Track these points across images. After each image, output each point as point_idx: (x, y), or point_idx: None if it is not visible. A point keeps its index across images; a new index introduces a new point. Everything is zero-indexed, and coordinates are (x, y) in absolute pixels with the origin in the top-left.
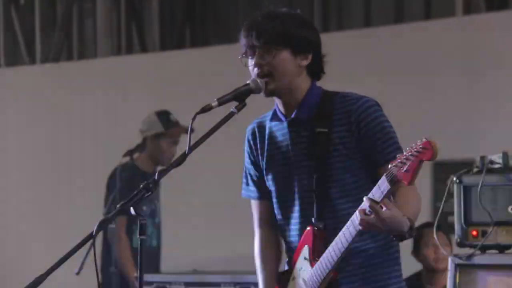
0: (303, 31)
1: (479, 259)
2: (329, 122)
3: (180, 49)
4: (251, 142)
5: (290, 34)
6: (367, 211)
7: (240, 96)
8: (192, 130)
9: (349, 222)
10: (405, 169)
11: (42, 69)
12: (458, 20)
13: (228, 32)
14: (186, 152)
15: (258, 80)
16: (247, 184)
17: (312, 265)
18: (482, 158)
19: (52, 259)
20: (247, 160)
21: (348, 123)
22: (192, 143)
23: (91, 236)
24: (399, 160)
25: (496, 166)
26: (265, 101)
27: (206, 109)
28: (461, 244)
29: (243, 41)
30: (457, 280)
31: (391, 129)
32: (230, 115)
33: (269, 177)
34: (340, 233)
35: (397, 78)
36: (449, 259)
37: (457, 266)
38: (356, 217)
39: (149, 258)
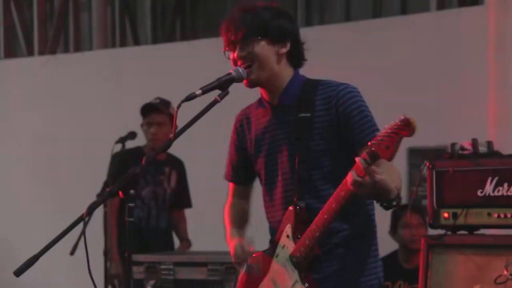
0: (278, 21)
1: (450, 239)
2: (311, 108)
3: (171, 42)
4: (238, 129)
5: (265, 24)
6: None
7: (223, 84)
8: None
9: (331, 198)
10: (384, 145)
11: (40, 61)
12: (432, 15)
13: (217, 25)
14: (172, 138)
15: (240, 69)
16: (228, 168)
17: (295, 242)
18: (453, 145)
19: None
20: (232, 146)
21: (329, 108)
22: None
23: (81, 219)
24: (378, 138)
25: (466, 152)
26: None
27: (190, 97)
28: (433, 226)
29: (223, 36)
30: (430, 259)
31: (369, 113)
32: (214, 103)
33: (258, 161)
34: (324, 208)
35: (374, 70)
36: (422, 240)
37: (429, 246)
38: (348, 179)
39: (158, 239)
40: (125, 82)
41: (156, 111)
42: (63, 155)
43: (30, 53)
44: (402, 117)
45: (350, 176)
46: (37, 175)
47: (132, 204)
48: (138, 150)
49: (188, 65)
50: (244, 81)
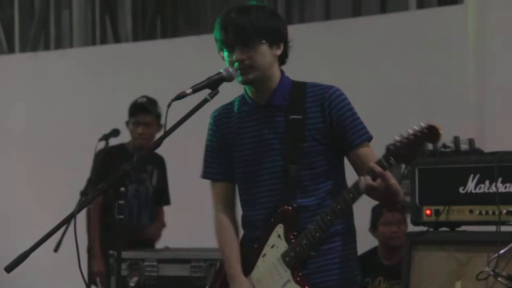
0: (275, 23)
1: (432, 236)
2: (302, 109)
3: (151, 40)
4: (218, 127)
5: (265, 27)
6: (373, 175)
7: (213, 84)
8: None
9: (344, 194)
10: (404, 150)
11: (21, 58)
12: (412, 13)
13: (197, 23)
14: (162, 136)
15: (230, 69)
16: (207, 166)
17: (288, 242)
18: None
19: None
20: (210, 144)
21: (321, 110)
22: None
23: (72, 216)
24: (398, 142)
25: (448, 149)
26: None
27: (180, 96)
28: (415, 223)
29: (218, 36)
30: (412, 256)
31: (358, 115)
32: (204, 102)
33: (237, 159)
34: (327, 210)
35: (354, 68)
36: (405, 236)
37: (412, 242)
38: (361, 181)
39: (141, 238)
40: (106, 80)
41: (144, 111)
42: (44, 152)
43: (11, 50)
44: (427, 124)
45: (365, 181)
46: (19, 172)
47: (122, 202)
48: (121, 148)
49: (169, 63)
50: (240, 78)
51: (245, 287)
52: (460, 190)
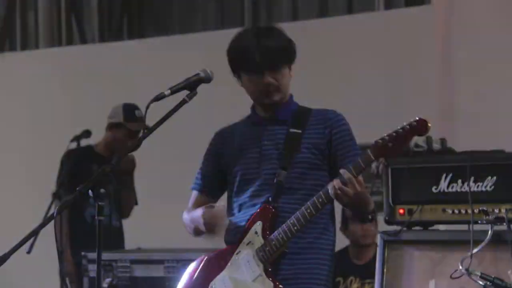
0: (292, 46)
1: (406, 235)
2: (303, 126)
3: (118, 41)
4: (217, 142)
5: (288, 51)
6: (343, 180)
7: (191, 85)
8: (146, 127)
9: (315, 197)
10: (393, 142)
11: None
12: (379, 14)
13: (164, 24)
14: (142, 137)
15: (208, 70)
16: (198, 178)
17: (265, 238)
18: None
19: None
20: (206, 157)
21: (322, 128)
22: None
23: (52, 217)
24: (386, 136)
25: (421, 149)
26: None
27: (159, 97)
28: (389, 222)
29: (243, 59)
30: (386, 255)
31: (355, 142)
32: (182, 103)
33: (236, 168)
34: (300, 211)
35: (321, 69)
36: (378, 236)
37: (386, 242)
38: (330, 187)
39: (113, 238)
40: (73, 80)
41: (138, 122)
42: (12, 154)
43: None
44: (417, 118)
45: (333, 185)
46: None
47: (102, 203)
48: (89, 149)
49: (136, 64)
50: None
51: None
52: (433, 189)
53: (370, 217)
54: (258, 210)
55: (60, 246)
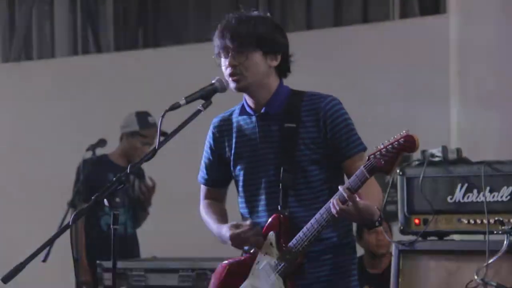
0: (273, 34)
1: (421, 245)
2: (297, 118)
3: (133, 50)
4: (216, 134)
5: (261, 36)
6: (344, 201)
7: (206, 94)
8: (164, 133)
9: (322, 210)
10: (384, 160)
11: (3, 68)
12: (395, 23)
13: (178, 34)
14: (156, 147)
15: (223, 80)
16: (203, 171)
17: (280, 250)
18: (423, 151)
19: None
20: (207, 150)
21: (316, 120)
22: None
23: (67, 226)
24: (378, 152)
25: (436, 159)
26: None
27: (174, 107)
28: (404, 232)
29: (216, 42)
30: (401, 265)
31: (353, 126)
32: (197, 112)
33: (238, 168)
34: (312, 220)
35: (336, 78)
36: (393, 246)
37: (401, 252)
38: (331, 205)
39: (128, 245)
40: (89, 89)
41: (153, 128)
42: (28, 162)
43: None
44: (405, 134)
45: (334, 205)
46: (2, 184)
47: (117, 212)
48: (105, 158)
49: (151, 73)
50: (231, 85)
51: (226, 230)
52: (448, 199)
53: (377, 223)
54: (270, 220)
55: (75, 254)
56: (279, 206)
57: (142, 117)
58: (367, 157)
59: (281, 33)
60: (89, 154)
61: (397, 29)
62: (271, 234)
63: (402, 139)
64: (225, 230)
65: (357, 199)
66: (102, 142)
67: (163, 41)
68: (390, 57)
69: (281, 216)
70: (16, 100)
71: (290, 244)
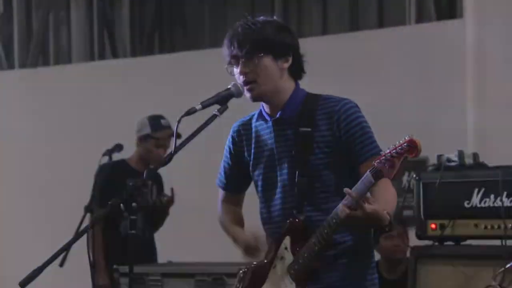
0: (281, 36)
1: (438, 250)
2: (312, 122)
3: (150, 55)
4: (236, 139)
5: (269, 40)
6: (352, 206)
7: (222, 99)
8: (179, 135)
9: (332, 214)
10: (389, 165)
11: (20, 74)
12: (410, 28)
13: (194, 39)
14: (172, 152)
15: (239, 85)
16: (220, 174)
17: (294, 254)
18: (440, 156)
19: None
20: (226, 154)
21: (330, 123)
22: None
23: (85, 231)
24: (383, 157)
25: (453, 164)
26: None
27: (190, 112)
28: (420, 237)
29: (226, 51)
30: (417, 270)
31: (370, 129)
32: (213, 117)
33: (256, 173)
34: (323, 225)
35: (352, 82)
36: (410, 251)
37: (417, 257)
38: (339, 210)
39: (143, 251)
40: (105, 95)
41: (166, 130)
42: (44, 168)
43: (11, 66)
44: (408, 139)
45: (342, 210)
46: (21, 189)
47: (135, 217)
48: (124, 163)
49: (167, 78)
50: (247, 95)
51: (246, 239)
52: (465, 204)
53: (386, 228)
54: (287, 224)
55: (93, 259)
56: (294, 211)
57: (155, 120)
58: (371, 164)
59: (289, 34)
60: (105, 159)
61: (413, 34)
62: (287, 238)
63: (405, 144)
64: (240, 238)
65: (365, 204)
66: (118, 147)
67: (179, 46)
68: (407, 62)
69: (296, 220)
70: (33, 105)
71: (304, 248)
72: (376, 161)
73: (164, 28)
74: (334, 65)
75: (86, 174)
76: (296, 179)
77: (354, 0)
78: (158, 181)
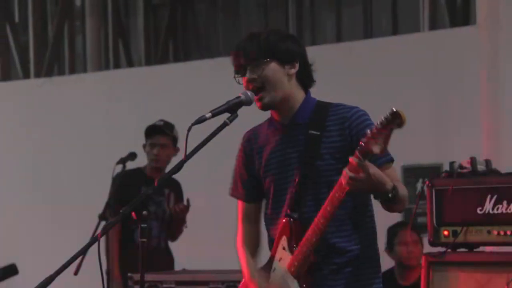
0: (286, 43)
1: (451, 257)
2: (322, 127)
3: (164, 64)
4: (246, 148)
5: (274, 46)
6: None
7: (232, 108)
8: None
9: (326, 203)
10: (376, 141)
11: (36, 84)
12: (424, 35)
13: (209, 47)
14: (183, 160)
15: (249, 93)
16: (236, 186)
17: (291, 252)
18: (452, 163)
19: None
20: (239, 164)
21: (341, 129)
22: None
23: (95, 239)
24: (370, 135)
25: (465, 170)
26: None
27: (200, 120)
28: (433, 243)
29: (233, 62)
30: (430, 277)
31: None
32: (223, 125)
33: (268, 180)
34: (319, 214)
35: (366, 89)
36: (423, 257)
37: (430, 263)
38: (343, 179)
39: (159, 259)
40: (120, 104)
41: (160, 133)
42: (60, 176)
43: (26, 75)
44: (391, 111)
45: (345, 175)
46: (36, 197)
47: (145, 225)
48: (138, 171)
49: (182, 86)
50: (257, 104)
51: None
52: (478, 210)
53: (390, 195)
54: (281, 224)
55: (108, 267)
56: (289, 210)
57: (148, 127)
58: (362, 144)
59: (294, 41)
60: (119, 168)
61: (427, 41)
62: (283, 238)
63: (389, 115)
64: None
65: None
66: (132, 156)
67: (193, 55)
68: (420, 69)
69: (291, 219)
70: (48, 114)
71: (301, 243)
72: (363, 140)
73: (178, 37)
74: (347, 73)
75: (100, 183)
76: (301, 182)
77: (367, 7)
78: (176, 189)
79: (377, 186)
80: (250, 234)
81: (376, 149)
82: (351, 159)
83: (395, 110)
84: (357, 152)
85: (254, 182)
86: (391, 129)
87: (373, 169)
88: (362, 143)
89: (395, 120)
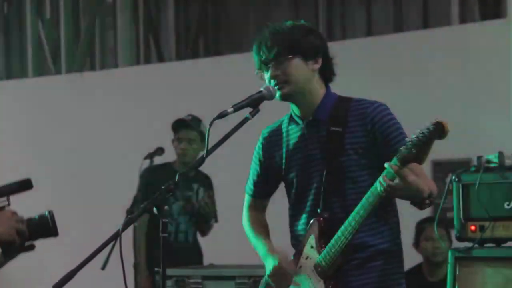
0: (309, 38)
1: (478, 252)
2: (343, 122)
3: (195, 58)
4: (266, 145)
5: (297, 42)
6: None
7: (254, 102)
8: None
9: (358, 207)
10: (415, 149)
11: (67, 79)
12: (455, 28)
13: (239, 42)
14: (205, 155)
15: (270, 88)
16: (250, 182)
17: (319, 252)
18: (479, 157)
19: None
20: (255, 161)
21: (363, 124)
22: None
23: (117, 234)
24: (409, 142)
25: (493, 165)
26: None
27: (222, 115)
28: (460, 239)
29: (255, 57)
30: (457, 272)
31: (403, 130)
32: (245, 120)
33: (289, 176)
34: (350, 217)
35: (397, 83)
36: (449, 253)
37: (457, 259)
38: (379, 184)
39: (186, 254)
40: (151, 99)
41: (187, 127)
42: (91, 171)
43: (58, 71)
44: (435, 121)
45: (382, 181)
46: (67, 192)
47: (166, 220)
48: (167, 166)
49: (212, 81)
50: (278, 94)
51: (278, 258)
52: (505, 205)
53: (428, 202)
54: (310, 223)
55: (135, 261)
56: (318, 209)
57: (175, 122)
58: (402, 150)
59: (316, 36)
60: (147, 163)
61: (458, 34)
62: (311, 237)
63: (432, 126)
64: (268, 263)
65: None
66: (159, 151)
67: (223, 50)
68: (450, 62)
69: (321, 218)
70: (80, 110)
71: (329, 245)
72: (402, 147)
73: (208, 32)
74: (378, 67)
75: (130, 177)
76: (325, 179)
77: (398, 1)
78: (206, 184)
79: (415, 194)
80: (259, 219)
81: (415, 156)
82: (390, 165)
83: (437, 121)
84: (395, 159)
85: (267, 180)
86: (432, 139)
87: (411, 176)
88: (402, 149)
89: (437, 131)
